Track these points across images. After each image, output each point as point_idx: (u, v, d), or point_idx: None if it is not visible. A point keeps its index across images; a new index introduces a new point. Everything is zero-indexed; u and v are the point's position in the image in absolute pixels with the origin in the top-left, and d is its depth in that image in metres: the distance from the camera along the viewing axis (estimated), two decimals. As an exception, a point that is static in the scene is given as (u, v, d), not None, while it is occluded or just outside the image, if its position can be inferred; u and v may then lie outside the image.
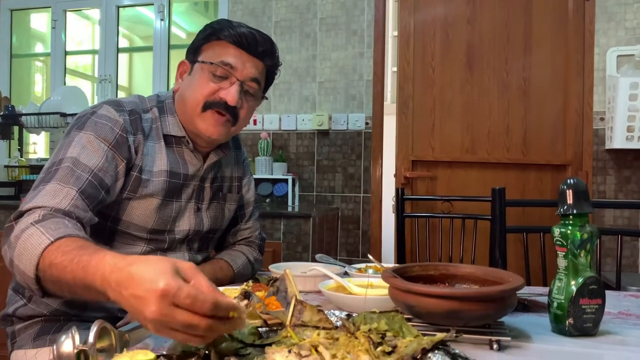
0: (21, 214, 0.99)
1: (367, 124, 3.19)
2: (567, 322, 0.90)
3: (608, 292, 0.99)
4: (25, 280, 0.90)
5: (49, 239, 0.89)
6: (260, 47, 1.23)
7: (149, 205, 1.22)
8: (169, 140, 1.26)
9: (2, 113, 3.36)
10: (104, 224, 1.20)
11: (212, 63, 1.20)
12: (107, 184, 1.12)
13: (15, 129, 3.44)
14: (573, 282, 0.91)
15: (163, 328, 0.66)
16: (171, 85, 3.36)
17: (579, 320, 0.90)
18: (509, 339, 0.83)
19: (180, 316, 0.64)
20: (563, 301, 0.91)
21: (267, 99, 1.35)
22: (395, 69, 3.47)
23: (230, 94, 1.19)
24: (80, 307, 1.24)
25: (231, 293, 1.09)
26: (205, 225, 1.34)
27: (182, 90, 1.26)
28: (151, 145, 1.23)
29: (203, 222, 1.34)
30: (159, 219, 1.24)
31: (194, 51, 1.26)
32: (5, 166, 3.41)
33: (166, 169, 1.23)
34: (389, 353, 0.63)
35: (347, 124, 3.22)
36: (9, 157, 3.70)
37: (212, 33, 1.23)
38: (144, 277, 0.66)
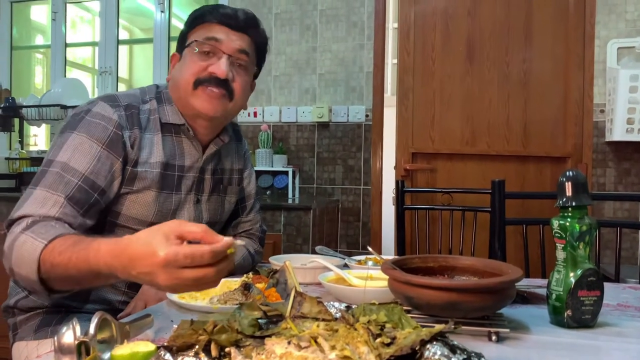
0: (12, 222, 1.03)
1: (367, 116, 3.19)
2: (565, 313, 0.91)
3: (607, 284, 0.99)
4: (30, 284, 0.95)
5: (42, 242, 0.92)
6: (243, 22, 1.26)
7: (146, 198, 1.21)
8: (168, 129, 1.26)
9: (2, 105, 3.35)
10: (105, 220, 1.20)
11: (197, 41, 1.22)
12: (100, 186, 1.12)
13: (16, 121, 3.44)
14: (572, 274, 0.91)
15: (179, 288, 0.77)
16: (171, 78, 3.35)
17: (577, 312, 0.90)
18: (507, 330, 0.84)
19: (188, 274, 0.74)
20: (562, 293, 0.91)
21: (259, 72, 1.36)
22: (395, 60, 3.46)
23: (219, 67, 1.20)
24: (81, 299, 1.24)
25: (231, 285, 1.09)
26: (204, 218, 1.34)
27: (173, 75, 1.28)
28: (148, 137, 1.22)
29: (202, 214, 1.34)
30: (159, 212, 1.24)
31: (182, 41, 1.29)
32: (6, 158, 3.41)
33: (161, 161, 1.22)
34: (388, 344, 0.64)
35: (348, 116, 3.21)
36: (10, 149, 3.70)
37: (196, 18, 1.27)
38: (142, 254, 0.75)
